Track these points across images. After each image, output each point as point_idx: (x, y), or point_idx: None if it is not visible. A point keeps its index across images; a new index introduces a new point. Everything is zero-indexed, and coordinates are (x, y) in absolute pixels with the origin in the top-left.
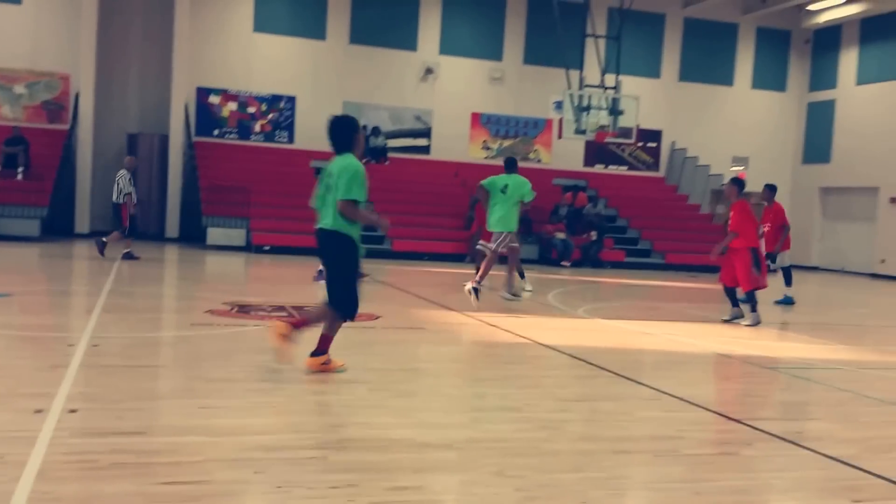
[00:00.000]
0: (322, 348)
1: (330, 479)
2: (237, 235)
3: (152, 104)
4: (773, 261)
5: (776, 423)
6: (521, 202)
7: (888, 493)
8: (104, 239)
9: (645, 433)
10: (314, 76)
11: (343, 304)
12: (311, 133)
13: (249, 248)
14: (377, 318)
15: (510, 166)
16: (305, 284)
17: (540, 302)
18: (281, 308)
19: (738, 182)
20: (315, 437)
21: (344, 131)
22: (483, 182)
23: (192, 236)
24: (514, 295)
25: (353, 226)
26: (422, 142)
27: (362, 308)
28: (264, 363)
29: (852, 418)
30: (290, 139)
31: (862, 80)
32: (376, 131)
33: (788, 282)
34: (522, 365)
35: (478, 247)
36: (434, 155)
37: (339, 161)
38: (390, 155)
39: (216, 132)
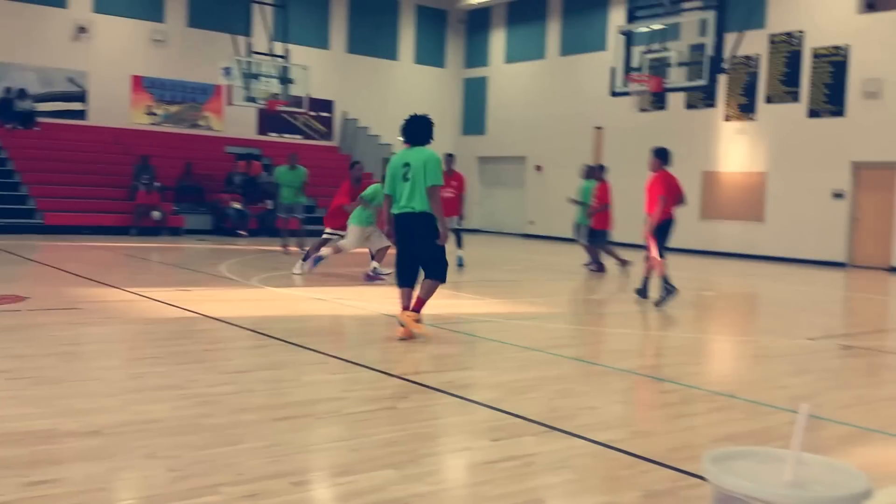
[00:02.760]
0: (417, 308)
1: None
2: None
3: None
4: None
5: (431, 376)
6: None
7: (522, 429)
8: None
9: (308, 398)
10: None
11: (443, 271)
12: None
13: None
14: (24, 299)
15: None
16: None
17: (212, 273)
18: None
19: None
20: None
21: (424, 128)
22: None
23: None
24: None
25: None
26: (77, 106)
27: (6, 290)
28: None
29: (497, 365)
30: None
31: (509, 59)
32: (22, 94)
33: (459, 243)
34: (187, 340)
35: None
36: (92, 120)
37: (419, 152)
38: (40, 120)
39: None
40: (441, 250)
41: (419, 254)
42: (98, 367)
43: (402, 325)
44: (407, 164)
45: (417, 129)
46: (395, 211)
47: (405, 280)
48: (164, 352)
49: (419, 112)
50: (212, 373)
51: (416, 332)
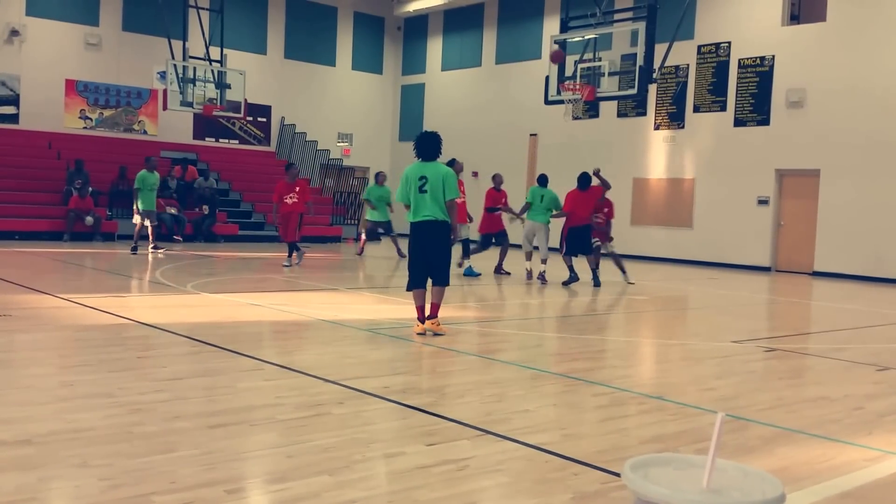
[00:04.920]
0: (435, 313)
1: None
2: None
3: None
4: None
5: (367, 381)
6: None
7: (457, 433)
8: None
9: (243, 404)
10: None
11: (447, 276)
12: None
13: None
14: None
15: (542, 181)
16: None
17: (147, 280)
18: None
19: (290, 166)
20: None
21: (435, 144)
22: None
23: None
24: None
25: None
26: (9, 110)
27: None
28: None
29: (433, 370)
30: None
31: (446, 66)
32: None
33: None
34: (119, 347)
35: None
36: (24, 125)
37: (434, 167)
38: None
39: None
40: (449, 257)
41: (432, 258)
42: (29, 374)
43: (421, 324)
44: (423, 178)
45: (428, 145)
46: (414, 219)
47: (419, 282)
48: (96, 359)
49: (363, 119)
50: (145, 380)
51: (441, 333)
